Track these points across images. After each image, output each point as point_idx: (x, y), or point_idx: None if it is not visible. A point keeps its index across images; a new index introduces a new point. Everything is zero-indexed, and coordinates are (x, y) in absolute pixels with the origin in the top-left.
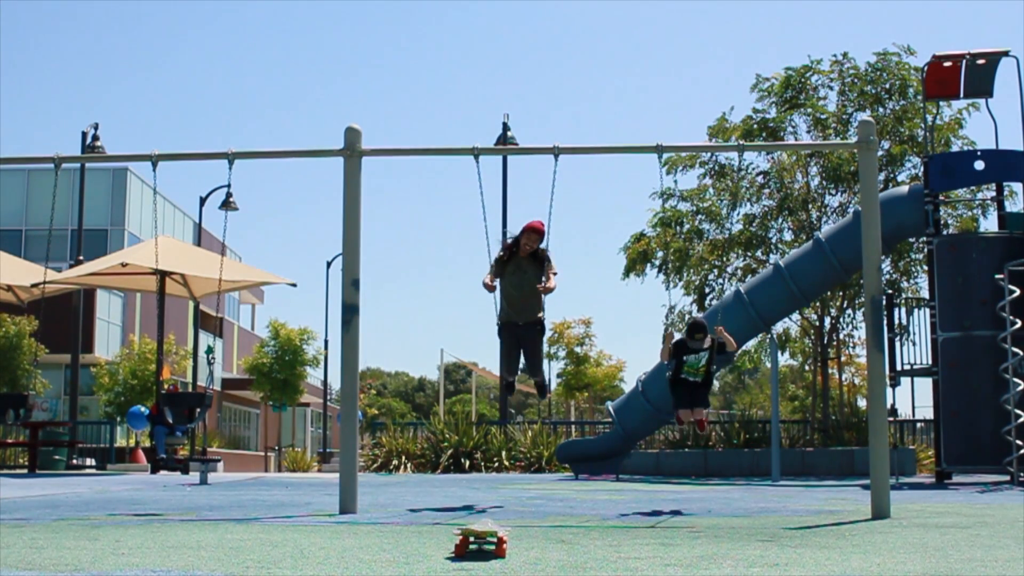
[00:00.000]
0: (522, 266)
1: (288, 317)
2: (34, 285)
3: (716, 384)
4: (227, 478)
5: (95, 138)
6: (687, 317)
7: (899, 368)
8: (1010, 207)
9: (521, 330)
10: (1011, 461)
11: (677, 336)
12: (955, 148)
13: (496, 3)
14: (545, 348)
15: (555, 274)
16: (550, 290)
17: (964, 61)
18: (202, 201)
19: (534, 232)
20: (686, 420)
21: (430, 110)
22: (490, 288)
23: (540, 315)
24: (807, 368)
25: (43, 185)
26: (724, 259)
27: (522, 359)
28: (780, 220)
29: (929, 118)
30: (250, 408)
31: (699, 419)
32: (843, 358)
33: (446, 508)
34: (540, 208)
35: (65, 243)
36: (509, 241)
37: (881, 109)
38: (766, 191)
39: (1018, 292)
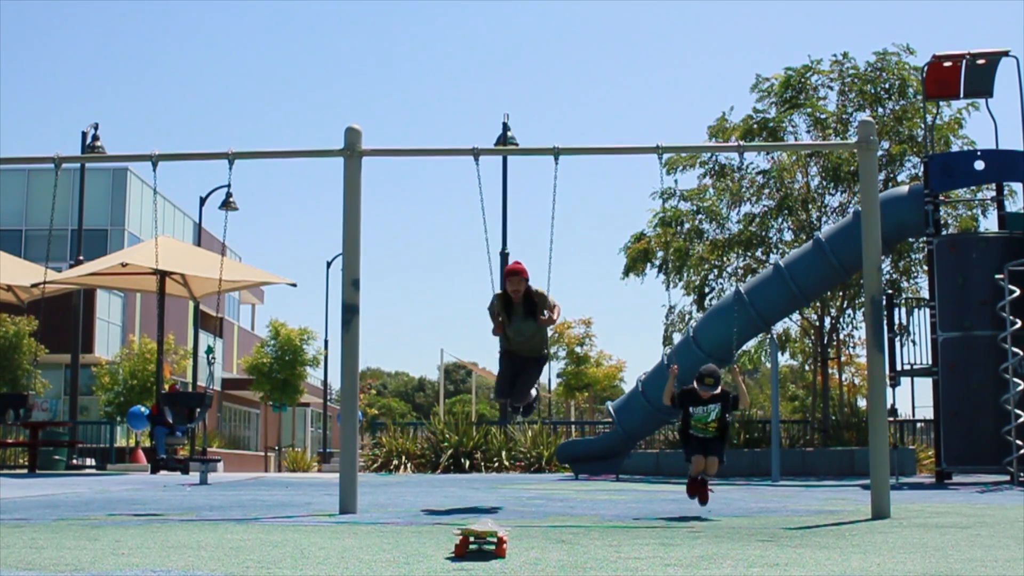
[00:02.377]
0: (519, 312)
1: (288, 317)
2: (34, 285)
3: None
4: (227, 478)
5: (95, 138)
6: (688, 318)
7: (899, 368)
8: (1010, 207)
9: (522, 360)
10: (1011, 461)
11: (684, 384)
12: (955, 148)
13: (496, 3)
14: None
15: (555, 306)
16: (552, 322)
17: (964, 61)
18: (202, 201)
19: (514, 276)
20: (698, 470)
21: (430, 110)
22: (501, 331)
23: (544, 352)
24: (807, 368)
25: (43, 185)
26: (724, 259)
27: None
28: (780, 220)
29: (929, 118)
30: (250, 408)
31: (708, 473)
32: (843, 358)
33: (446, 508)
34: (540, 208)
35: (65, 243)
36: (499, 291)
37: (881, 109)
38: (766, 191)
39: (1018, 292)
